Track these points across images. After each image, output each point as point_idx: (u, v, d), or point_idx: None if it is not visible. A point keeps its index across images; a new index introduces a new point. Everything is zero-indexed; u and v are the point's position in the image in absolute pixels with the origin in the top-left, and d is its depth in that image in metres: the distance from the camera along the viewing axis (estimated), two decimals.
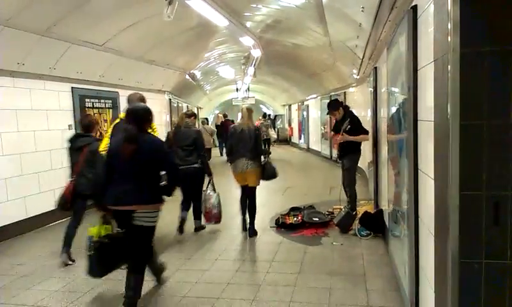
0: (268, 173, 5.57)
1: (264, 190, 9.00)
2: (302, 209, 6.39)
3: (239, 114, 7.19)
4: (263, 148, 6.10)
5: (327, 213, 6.32)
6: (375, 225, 5.32)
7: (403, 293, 3.37)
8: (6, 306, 3.71)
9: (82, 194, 4.53)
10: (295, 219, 5.99)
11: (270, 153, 9.42)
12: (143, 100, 4.59)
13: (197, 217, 5.80)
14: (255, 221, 5.60)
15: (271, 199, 8.13)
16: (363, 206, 6.37)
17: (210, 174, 5.69)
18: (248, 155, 5.37)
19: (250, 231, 5.55)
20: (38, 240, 5.74)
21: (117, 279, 4.20)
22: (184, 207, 5.75)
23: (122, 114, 4.54)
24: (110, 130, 4.64)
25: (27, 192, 6.11)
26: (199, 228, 5.83)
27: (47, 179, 6.49)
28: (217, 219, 5.66)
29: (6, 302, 3.79)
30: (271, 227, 6.02)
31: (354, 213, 5.76)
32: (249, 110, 5.67)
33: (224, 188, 7.00)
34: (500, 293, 1.89)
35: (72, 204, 4.62)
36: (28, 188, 6.14)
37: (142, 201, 3.35)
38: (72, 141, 4.88)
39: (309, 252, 4.86)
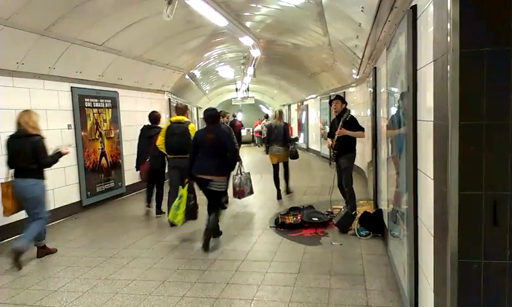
0: (293, 155, 7.83)
1: (264, 190, 9.01)
2: (301, 209, 6.39)
3: (239, 113, 11.36)
4: (291, 138, 8.21)
5: (326, 213, 6.32)
6: (374, 225, 5.33)
7: (402, 293, 3.37)
8: (6, 306, 3.71)
9: (155, 169, 6.63)
10: (294, 218, 5.99)
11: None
12: (186, 107, 6.80)
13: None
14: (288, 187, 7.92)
15: (270, 199, 8.12)
16: (363, 206, 6.38)
17: (239, 161, 6.61)
18: (280, 142, 7.66)
19: (287, 191, 8.01)
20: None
21: (116, 279, 4.21)
22: None
23: (173, 118, 6.44)
24: (164, 131, 6.23)
25: None
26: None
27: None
28: (249, 192, 6.67)
29: (6, 301, 3.79)
30: (270, 227, 6.03)
31: (353, 213, 5.76)
32: (280, 112, 8.23)
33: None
34: (499, 293, 1.89)
35: (149, 176, 6.74)
36: None
37: (217, 173, 5.07)
38: (144, 130, 6.91)
39: (308, 252, 4.87)
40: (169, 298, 3.75)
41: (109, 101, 8.38)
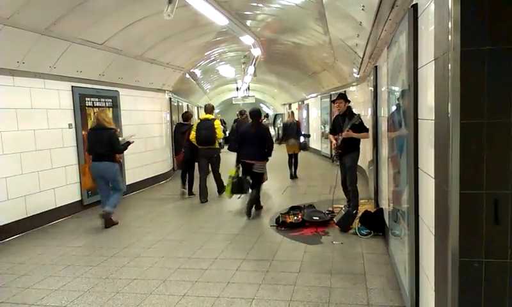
0: (302, 146, 10.65)
1: (263, 190, 9.01)
2: (302, 208, 6.39)
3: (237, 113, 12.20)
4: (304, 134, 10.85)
5: (327, 212, 6.32)
6: (375, 224, 5.32)
7: (403, 292, 3.37)
8: (6, 305, 3.72)
9: (188, 159, 8.28)
10: (295, 218, 5.99)
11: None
12: (213, 107, 8.45)
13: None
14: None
15: (271, 198, 8.13)
16: (364, 205, 6.38)
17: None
18: (294, 137, 10.22)
19: (295, 175, 10.43)
20: (38, 239, 5.75)
21: (117, 279, 4.22)
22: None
23: (202, 116, 8.15)
24: (195, 127, 7.87)
25: (27, 191, 6.11)
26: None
27: (47, 178, 6.49)
28: (266, 179, 7.58)
29: (7, 300, 3.79)
30: (271, 226, 6.03)
31: (354, 212, 5.76)
32: (293, 112, 11.52)
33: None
34: (500, 292, 1.89)
35: (184, 165, 8.54)
36: (28, 187, 6.14)
37: (259, 159, 6.55)
38: (178, 127, 9.10)
39: (309, 251, 4.87)
40: (170, 297, 3.75)
41: (110, 100, 8.38)
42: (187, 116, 9.07)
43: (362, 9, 4.45)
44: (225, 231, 5.89)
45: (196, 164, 8.20)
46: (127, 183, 8.97)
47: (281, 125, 12.48)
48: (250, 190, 6.71)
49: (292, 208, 6.45)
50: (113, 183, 6.19)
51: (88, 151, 6.35)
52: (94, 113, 7.76)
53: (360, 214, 5.62)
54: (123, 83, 8.72)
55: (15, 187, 5.91)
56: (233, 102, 22.53)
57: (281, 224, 5.89)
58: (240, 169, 6.73)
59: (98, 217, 6.19)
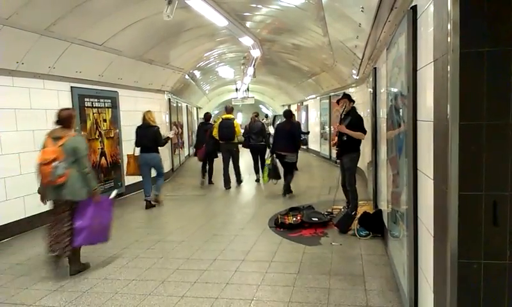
0: (303, 143, 10.96)
1: (263, 190, 9.01)
2: (301, 209, 6.39)
3: (239, 114, 14.46)
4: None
5: (326, 213, 6.32)
6: (374, 225, 5.32)
7: (402, 293, 3.37)
8: (5, 305, 3.71)
9: (209, 152, 9.70)
10: (294, 219, 5.99)
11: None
12: (232, 108, 10.01)
13: (257, 171, 10.09)
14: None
15: (270, 199, 8.13)
16: (363, 207, 6.38)
17: (269, 147, 9.18)
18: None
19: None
20: (37, 240, 5.72)
21: (116, 279, 4.21)
22: (256, 170, 10.07)
23: (224, 116, 9.51)
24: (217, 125, 9.38)
25: (26, 192, 6.09)
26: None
27: None
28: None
29: (5, 301, 3.79)
30: (270, 227, 6.03)
31: (353, 213, 5.76)
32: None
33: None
34: (499, 293, 1.89)
35: (204, 157, 9.92)
36: (27, 187, 6.11)
37: (290, 151, 7.99)
38: (201, 125, 10.56)
39: (308, 253, 4.86)
40: (169, 298, 3.74)
41: (109, 101, 8.37)
42: (208, 116, 10.72)
43: (361, 11, 4.46)
44: (224, 232, 5.88)
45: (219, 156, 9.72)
46: (126, 184, 8.97)
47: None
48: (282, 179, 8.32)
49: (291, 209, 6.46)
50: (158, 170, 7.60)
51: (136, 144, 7.46)
52: (93, 114, 7.78)
53: (358, 215, 5.62)
54: (122, 84, 8.71)
55: (14, 187, 5.89)
56: (233, 103, 22.55)
57: (280, 225, 5.89)
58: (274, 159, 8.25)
59: (145, 201, 7.62)
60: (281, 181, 8.38)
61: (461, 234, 1.88)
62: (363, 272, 4.18)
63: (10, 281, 4.26)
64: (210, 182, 9.92)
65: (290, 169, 8.23)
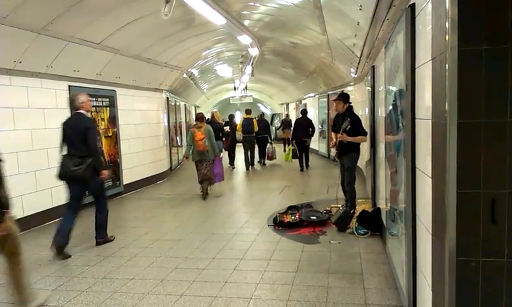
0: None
1: (262, 189, 9.01)
2: (300, 208, 6.39)
3: (237, 112, 16.55)
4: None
5: (325, 211, 6.33)
6: (372, 223, 5.33)
7: (400, 291, 3.38)
8: (4, 305, 3.70)
9: (233, 142, 12.78)
10: (293, 217, 5.99)
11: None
12: (251, 110, 13.02)
13: (261, 157, 13.44)
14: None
15: (268, 198, 8.14)
16: (361, 205, 6.39)
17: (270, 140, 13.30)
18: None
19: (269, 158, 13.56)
20: (34, 239, 5.72)
21: (114, 278, 4.21)
22: (260, 156, 13.29)
23: (245, 115, 12.78)
24: (241, 122, 12.75)
25: (23, 191, 6.08)
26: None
27: (44, 177, 6.45)
28: (272, 157, 13.21)
29: (3, 300, 3.78)
30: (268, 225, 6.03)
31: (352, 211, 5.77)
32: (288, 115, 17.92)
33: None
34: (497, 291, 1.89)
35: (230, 147, 12.76)
36: (25, 187, 6.12)
37: (308, 137, 11.80)
38: (225, 124, 12.83)
39: (306, 251, 4.87)
40: (168, 297, 3.74)
41: (107, 100, 8.35)
42: (231, 116, 14.10)
43: (360, 9, 4.46)
44: (222, 231, 5.88)
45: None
46: (124, 183, 8.96)
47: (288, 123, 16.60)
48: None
49: (290, 207, 6.45)
50: (218, 151, 9.15)
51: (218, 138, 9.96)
52: (91, 113, 7.75)
53: (357, 214, 5.62)
54: (120, 83, 8.70)
55: (12, 186, 5.83)
56: (231, 102, 22.54)
57: (279, 224, 5.89)
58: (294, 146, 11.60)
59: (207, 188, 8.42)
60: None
61: (459, 232, 1.88)
62: (361, 270, 4.19)
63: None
64: (232, 165, 12.98)
65: (306, 150, 11.94)
